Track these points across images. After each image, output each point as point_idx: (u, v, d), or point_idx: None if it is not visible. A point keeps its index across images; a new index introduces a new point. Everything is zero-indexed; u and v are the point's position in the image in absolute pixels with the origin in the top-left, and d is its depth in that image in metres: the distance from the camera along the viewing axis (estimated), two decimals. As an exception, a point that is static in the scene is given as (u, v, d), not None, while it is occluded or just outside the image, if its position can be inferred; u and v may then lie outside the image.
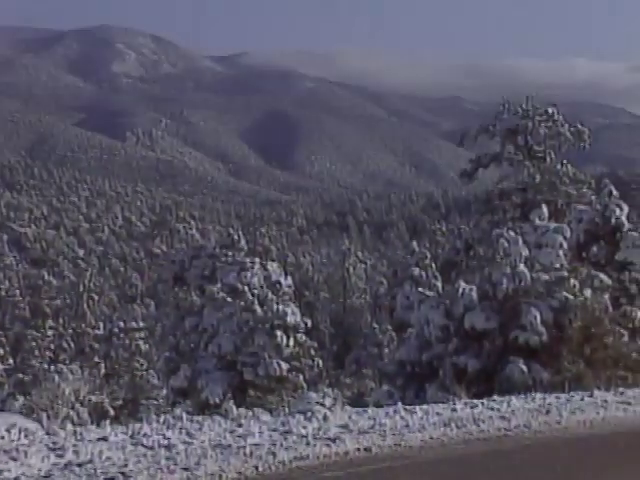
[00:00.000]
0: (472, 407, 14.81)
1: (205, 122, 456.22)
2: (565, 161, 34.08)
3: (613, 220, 27.64)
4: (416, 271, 48.29)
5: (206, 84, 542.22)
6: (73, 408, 21.23)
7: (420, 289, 30.00)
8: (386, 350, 53.96)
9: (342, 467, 9.86)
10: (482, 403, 15.38)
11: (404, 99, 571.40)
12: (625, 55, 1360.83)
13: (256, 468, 9.60)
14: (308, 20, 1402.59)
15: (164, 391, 34.76)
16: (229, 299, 30.84)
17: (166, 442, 10.61)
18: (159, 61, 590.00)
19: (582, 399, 16.88)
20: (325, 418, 12.88)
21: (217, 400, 28.37)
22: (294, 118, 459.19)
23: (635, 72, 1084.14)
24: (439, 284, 43.22)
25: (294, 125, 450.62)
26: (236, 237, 36.40)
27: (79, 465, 9.52)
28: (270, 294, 30.77)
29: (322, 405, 14.37)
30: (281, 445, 10.76)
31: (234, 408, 25.60)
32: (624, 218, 27.86)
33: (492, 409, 14.73)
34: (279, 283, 31.60)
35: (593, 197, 30.79)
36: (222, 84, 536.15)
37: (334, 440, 11.26)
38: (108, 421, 12.91)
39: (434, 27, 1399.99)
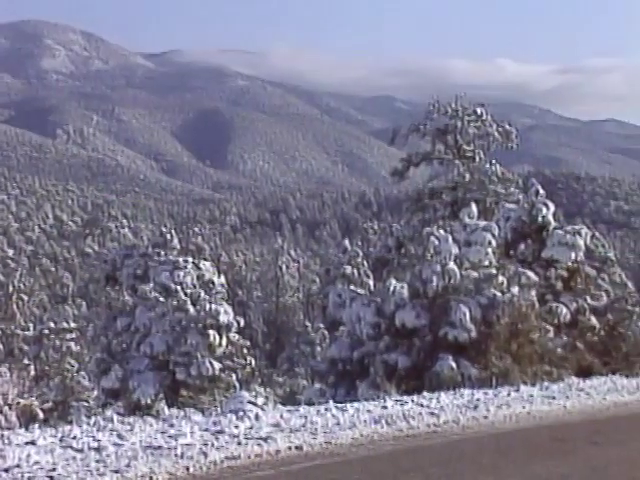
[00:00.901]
0: (402, 404, 14.96)
1: (137, 120, 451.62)
2: (494, 160, 34.63)
3: (540, 218, 28.16)
4: (348, 269, 48.73)
5: (138, 81, 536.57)
6: (1, 412, 20.88)
7: (352, 287, 30.22)
8: (318, 348, 54.21)
9: (273, 466, 9.92)
10: (412, 400, 15.54)
11: (336, 98, 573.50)
12: (551, 57, 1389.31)
13: (187, 469, 9.60)
14: (241, 18, 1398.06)
15: (95, 392, 34.43)
16: (161, 299, 30.67)
17: (96, 444, 10.53)
18: (90, 57, 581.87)
19: (509, 394, 17.22)
20: (257, 417, 12.91)
21: (149, 401, 28.22)
22: (227, 116, 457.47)
23: (561, 74, 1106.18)
24: (371, 282, 43.69)
25: (227, 123, 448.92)
26: (169, 236, 36.23)
27: (6, 470, 9.41)
28: (203, 293, 30.68)
29: (254, 404, 14.36)
30: (212, 445, 10.76)
31: (166, 408, 25.45)
32: (550, 216, 28.41)
33: (422, 406, 14.91)
34: (212, 282, 31.53)
35: (520, 196, 31.34)
36: (154, 81, 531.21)
37: (266, 439, 11.30)
38: (37, 424, 12.73)
39: (366, 26, 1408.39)
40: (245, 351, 31.75)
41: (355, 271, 48.70)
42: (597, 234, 33.81)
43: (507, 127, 34.96)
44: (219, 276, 32.53)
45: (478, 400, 16.02)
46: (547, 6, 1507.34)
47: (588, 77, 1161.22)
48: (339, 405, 14.46)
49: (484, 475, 9.51)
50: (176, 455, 10.11)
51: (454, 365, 20.50)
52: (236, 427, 12.06)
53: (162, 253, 34.29)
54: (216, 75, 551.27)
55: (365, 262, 49.09)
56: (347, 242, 54.85)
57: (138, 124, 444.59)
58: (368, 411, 13.94)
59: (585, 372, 22.98)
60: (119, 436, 11.11)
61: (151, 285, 31.76)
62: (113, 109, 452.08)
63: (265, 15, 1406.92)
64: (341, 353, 23.36)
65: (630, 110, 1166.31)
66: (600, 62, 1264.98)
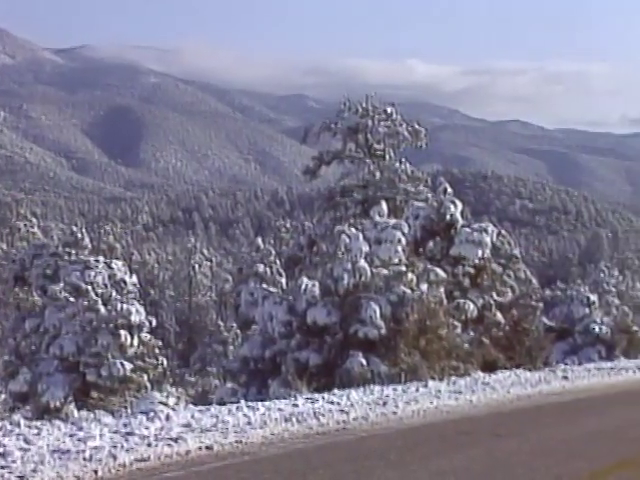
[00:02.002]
0: (313, 402, 15.11)
1: (46, 116, 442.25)
2: (403, 159, 35.12)
3: (448, 216, 28.70)
4: (261, 268, 48.72)
5: (47, 77, 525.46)
6: None
7: (264, 286, 30.24)
8: (231, 347, 54.08)
9: (183, 467, 9.93)
10: (323, 397, 15.71)
11: (249, 96, 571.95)
12: (459, 59, 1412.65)
13: (95, 472, 9.53)
14: (153, 15, 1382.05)
15: (2, 396, 33.65)
16: (72, 299, 30.25)
17: (1, 450, 10.37)
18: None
19: (417, 390, 17.55)
20: (168, 418, 12.88)
21: (58, 404, 27.77)
22: (139, 113, 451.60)
23: (468, 75, 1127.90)
24: (283, 280, 43.82)
25: (139, 121, 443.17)
26: (79, 235, 35.68)
27: None
28: (114, 293, 30.36)
29: (165, 404, 14.39)
30: (122, 447, 10.69)
31: (75, 411, 25.14)
32: (458, 214, 28.97)
33: (332, 403, 15.09)
34: (124, 282, 31.22)
35: (429, 194, 31.91)
36: (64, 77, 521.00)
37: (176, 440, 11.28)
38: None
39: (279, 25, 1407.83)
40: (157, 351, 31.51)
41: (268, 270, 48.74)
42: (503, 232, 34.52)
43: (416, 126, 35.48)
44: (131, 275, 32.24)
45: (387, 396, 16.29)
46: (455, 8, 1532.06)
47: (494, 79, 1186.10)
48: (250, 404, 14.52)
49: (391, 470, 9.71)
50: (84, 458, 10.02)
51: (364, 362, 20.75)
52: (146, 428, 12.01)
53: (73, 252, 33.78)
54: (128, 72, 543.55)
55: (278, 260, 49.21)
56: (260, 241, 54.85)
57: (47, 121, 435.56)
58: (279, 409, 14.04)
59: (490, 367, 23.56)
60: (26, 440, 10.95)
61: (61, 285, 31.29)
62: (21, 105, 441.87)
63: (178, 11, 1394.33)
64: (253, 352, 23.42)
65: (534, 111, 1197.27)
66: (506, 64, 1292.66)
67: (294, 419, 13.18)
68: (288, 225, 66.68)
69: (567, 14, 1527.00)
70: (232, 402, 15.78)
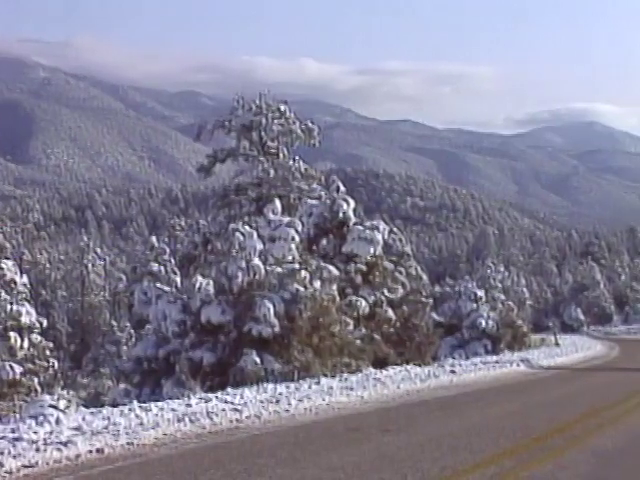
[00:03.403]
0: (206, 401, 15.13)
1: None
2: (297, 157, 35.36)
3: (341, 214, 29.06)
4: (155, 266, 48.29)
5: None
6: None
7: (158, 284, 30.01)
8: (124, 348, 53.37)
9: (73, 471, 9.83)
10: (216, 397, 15.75)
11: (142, 92, 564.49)
12: (349, 58, 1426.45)
13: (-20, 480, 9.38)
14: (40, 7, 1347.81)
15: None
16: (-43, 301, 29.38)
17: None
18: None
19: (310, 387, 17.77)
20: (58, 421, 12.70)
21: (-56, 409, 26.94)
22: (28, 109, 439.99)
23: (360, 75, 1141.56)
24: (178, 279, 43.47)
25: (28, 116, 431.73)
26: (-35, 236, 34.71)
27: None
28: (4, 294, 29.66)
29: (55, 408, 14.08)
30: (9, 453, 10.50)
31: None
32: (351, 212, 29.37)
33: (226, 402, 15.14)
34: (14, 282, 30.51)
35: (323, 192, 32.21)
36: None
37: (66, 444, 11.15)
38: None
39: (170, 21, 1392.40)
40: (48, 353, 30.93)
41: (162, 268, 48.33)
42: (394, 229, 35.22)
43: (310, 125, 35.77)
44: (21, 276, 31.52)
45: (280, 394, 16.44)
46: (347, 7, 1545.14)
47: (385, 78, 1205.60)
48: (143, 405, 14.44)
49: (282, 468, 9.83)
50: (-31, 467, 9.82)
51: (258, 360, 20.82)
52: (35, 433, 11.83)
53: (-42, 253, 32.83)
54: (15, 66, 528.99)
55: (172, 259, 48.83)
56: (154, 239, 54.30)
57: None
58: (172, 410, 14.01)
59: (381, 363, 24.00)
60: None
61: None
62: None
63: (67, 4, 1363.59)
64: (146, 352, 23.22)
65: (424, 111, 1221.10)
66: (396, 65, 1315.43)
67: (187, 419, 13.18)
68: (182, 223, 66.13)
69: (454, 17, 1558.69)
70: (125, 403, 15.65)
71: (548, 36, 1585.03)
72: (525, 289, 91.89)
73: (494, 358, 33.23)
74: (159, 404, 14.64)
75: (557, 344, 49.71)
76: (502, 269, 56.87)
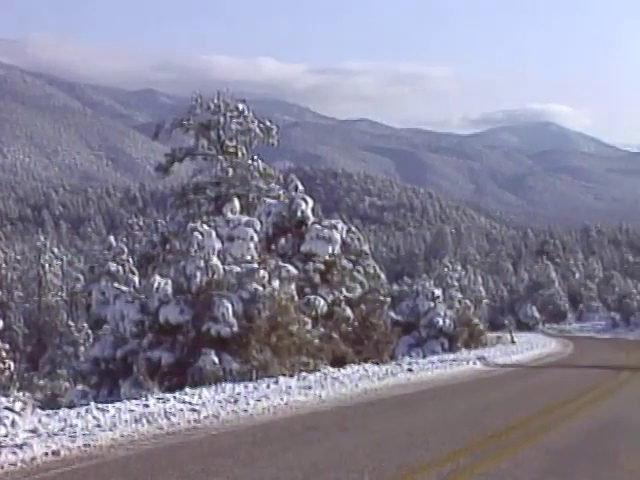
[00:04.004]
0: (164, 402, 15.07)
1: None
2: (256, 156, 35.31)
3: (299, 213, 29.10)
4: (113, 266, 47.90)
5: None
6: None
7: (116, 284, 29.86)
8: (82, 348, 52.88)
9: (28, 474, 9.75)
10: (174, 397, 15.69)
11: (99, 90, 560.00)
12: (308, 57, 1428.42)
13: None
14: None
15: None
16: None
17: None
18: None
19: (268, 386, 17.79)
20: (13, 424, 12.58)
21: None
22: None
23: (318, 74, 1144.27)
24: (136, 279, 43.17)
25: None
26: None
27: None
28: (-43, 296, 29.30)
29: (11, 410, 13.96)
30: (-36, 456, 10.42)
31: None
32: (309, 211, 29.43)
33: (184, 402, 15.10)
34: (-34, 284, 30.18)
35: (281, 191, 32.24)
36: None
37: (21, 446, 11.05)
38: None
39: (130, 19, 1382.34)
40: (4, 354, 30.59)
41: (120, 268, 47.96)
42: (353, 228, 35.33)
43: (268, 124, 35.74)
44: (-25, 277, 31.15)
45: (239, 394, 16.44)
46: (306, 6, 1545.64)
47: (343, 78, 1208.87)
48: (101, 406, 14.35)
49: (240, 468, 9.85)
50: None
51: (216, 360, 20.81)
52: (-10, 435, 11.73)
53: None
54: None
55: (130, 259, 48.48)
56: (112, 238, 53.88)
57: None
58: (130, 410, 13.95)
59: (340, 361, 24.11)
60: None
61: None
62: None
63: (23, 1, 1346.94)
64: (104, 352, 23.10)
65: (382, 111, 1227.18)
66: (355, 64, 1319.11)
67: (144, 420, 13.13)
68: (141, 223, 65.68)
69: (412, 17, 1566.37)
70: (82, 405, 15.55)
71: (504, 37, 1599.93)
72: (482, 287, 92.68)
73: (451, 356, 33.55)
74: (116, 405, 14.56)
75: (513, 342, 50.29)
76: (459, 268, 57.39)
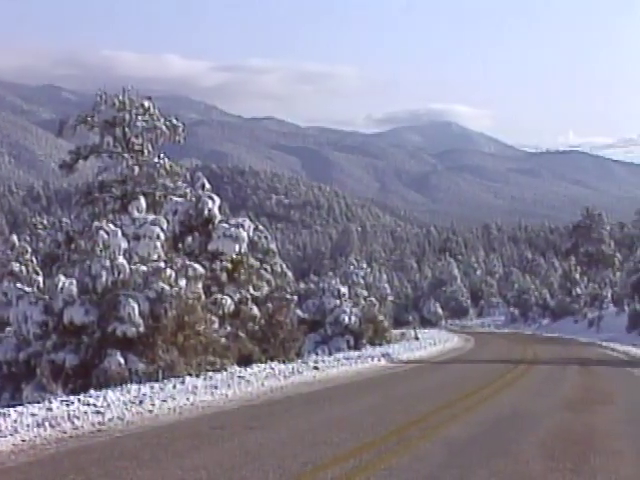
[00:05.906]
0: (68, 404, 14.87)
1: None
2: (162, 154, 35.08)
3: (206, 212, 29.04)
4: (16, 266, 46.90)
5: None
6: None
7: (19, 285, 29.25)
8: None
9: None
10: (78, 399, 15.48)
11: (0, 85, 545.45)
12: (214, 54, 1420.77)
13: None
14: None
15: None
16: None
17: None
18: None
19: (174, 386, 17.74)
20: None
21: None
22: None
23: (223, 71, 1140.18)
24: (40, 279, 42.40)
25: None
26: None
27: None
28: None
29: None
30: None
31: None
32: (216, 210, 29.39)
33: (88, 404, 14.92)
34: None
35: (188, 190, 32.12)
36: None
37: None
38: None
39: (28, 12, 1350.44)
40: None
41: (23, 268, 47.01)
42: (260, 227, 35.48)
43: (174, 121, 35.54)
44: None
45: (144, 395, 16.36)
46: (210, 2, 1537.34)
47: (248, 76, 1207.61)
48: (2, 410, 14.09)
49: (143, 470, 9.82)
50: None
51: (122, 361, 20.65)
52: None
53: None
54: None
55: (34, 258, 47.58)
56: (15, 238, 52.72)
57: None
58: (32, 414, 13.72)
59: (246, 360, 24.18)
60: None
61: None
62: None
63: None
64: (6, 355, 22.68)
65: (287, 109, 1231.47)
66: (260, 62, 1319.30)
67: (47, 424, 12.93)
68: (45, 221, 64.48)
69: (317, 16, 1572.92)
70: (-18, 409, 15.23)
71: (407, 37, 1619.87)
72: (387, 285, 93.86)
73: (356, 353, 33.98)
74: (18, 409, 14.29)
75: (417, 338, 51.19)
76: (365, 265, 57.96)
